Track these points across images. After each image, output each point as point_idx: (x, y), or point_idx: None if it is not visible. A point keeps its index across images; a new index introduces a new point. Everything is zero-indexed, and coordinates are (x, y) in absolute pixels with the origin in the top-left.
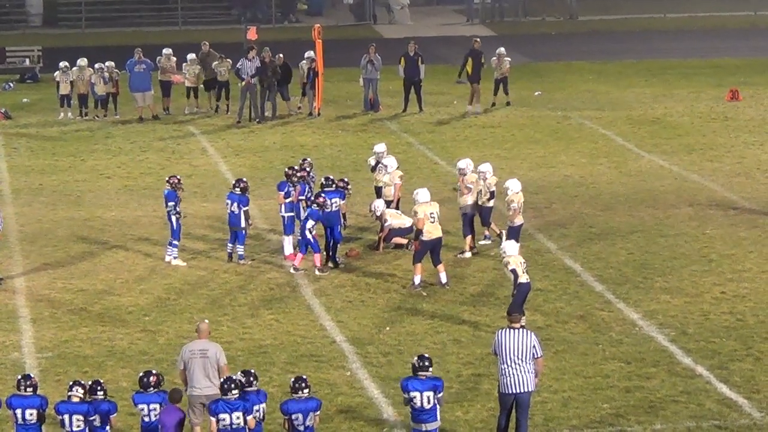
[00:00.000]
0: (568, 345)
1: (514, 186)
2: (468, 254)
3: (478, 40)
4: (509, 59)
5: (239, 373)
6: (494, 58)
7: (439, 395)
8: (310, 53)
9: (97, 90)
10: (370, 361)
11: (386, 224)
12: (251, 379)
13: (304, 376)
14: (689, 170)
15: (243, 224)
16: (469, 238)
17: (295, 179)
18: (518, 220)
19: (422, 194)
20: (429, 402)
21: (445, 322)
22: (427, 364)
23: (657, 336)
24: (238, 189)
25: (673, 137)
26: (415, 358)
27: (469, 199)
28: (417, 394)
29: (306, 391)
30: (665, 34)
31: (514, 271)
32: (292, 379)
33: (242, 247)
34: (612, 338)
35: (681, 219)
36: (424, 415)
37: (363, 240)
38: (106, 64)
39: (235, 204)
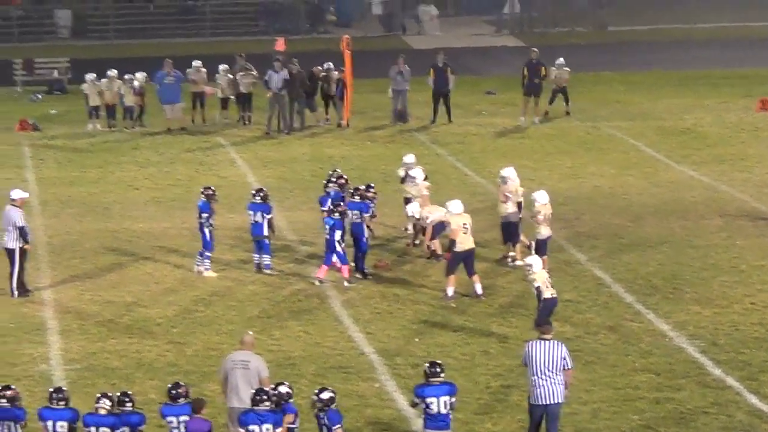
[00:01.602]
0: (598, 356)
1: (541, 198)
2: (519, 262)
3: (536, 50)
4: (568, 69)
5: (283, 385)
6: (553, 68)
7: (453, 400)
8: (328, 64)
9: (126, 101)
10: (398, 372)
11: (429, 221)
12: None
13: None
14: (719, 181)
15: (266, 232)
16: (518, 245)
17: (350, 188)
18: (545, 232)
19: (455, 205)
20: (446, 407)
21: (474, 334)
22: (438, 370)
23: (687, 347)
24: (259, 198)
25: (702, 148)
26: (426, 365)
27: (509, 208)
28: (434, 399)
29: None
30: (694, 45)
31: (538, 289)
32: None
33: (268, 256)
34: (642, 349)
35: (711, 230)
36: (440, 422)
37: (393, 250)
38: (137, 74)
39: (259, 213)
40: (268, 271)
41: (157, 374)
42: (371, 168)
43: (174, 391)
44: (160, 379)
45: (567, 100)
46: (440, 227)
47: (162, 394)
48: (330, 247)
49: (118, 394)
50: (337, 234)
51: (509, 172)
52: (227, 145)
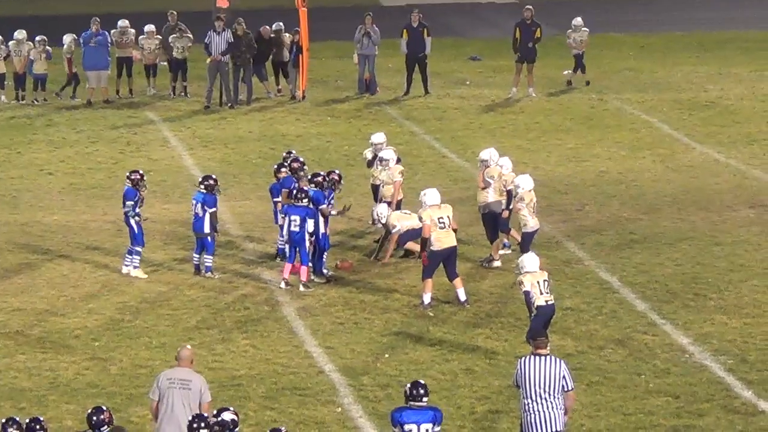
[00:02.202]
0: (604, 375)
1: (525, 183)
2: (497, 263)
3: (530, 8)
4: (587, 30)
5: (227, 410)
6: (570, 30)
7: (437, 429)
8: (280, 24)
9: (35, 68)
10: (365, 395)
11: (394, 230)
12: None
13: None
14: (750, 165)
15: (208, 230)
16: (497, 242)
17: (306, 174)
18: (533, 224)
19: (431, 196)
20: None
21: (455, 348)
22: (422, 392)
23: (711, 364)
24: (203, 187)
25: (730, 125)
26: (408, 385)
27: (489, 196)
28: (413, 427)
29: None
30: (721, 0)
31: (527, 294)
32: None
33: (211, 257)
34: (657, 367)
35: (740, 223)
36: None
37: (358, 248)
38: (65, 37)
39: (200, 205)
40: (208, 275)
41: (74, 397)
42: (332, 149)
43: (95, 418)
44: (79, 402)
45: (582, 67)
46: (410, 235)
47: (80, 420)
48: (299, 242)
49: (28, 420)
50: (310, 225)
51: (490, 154)
52: (159, 121)
